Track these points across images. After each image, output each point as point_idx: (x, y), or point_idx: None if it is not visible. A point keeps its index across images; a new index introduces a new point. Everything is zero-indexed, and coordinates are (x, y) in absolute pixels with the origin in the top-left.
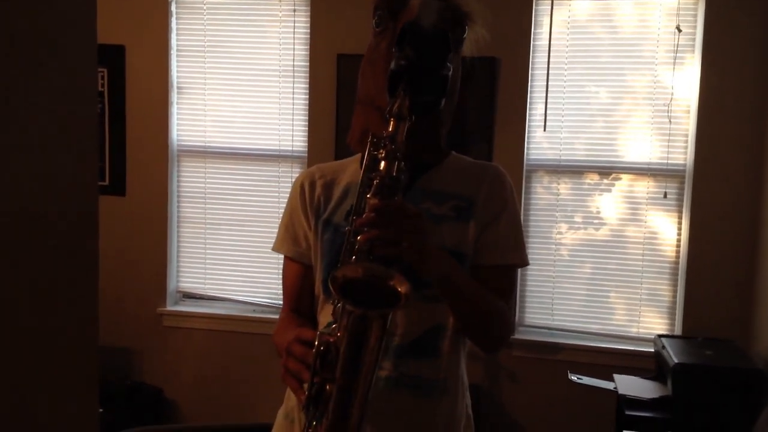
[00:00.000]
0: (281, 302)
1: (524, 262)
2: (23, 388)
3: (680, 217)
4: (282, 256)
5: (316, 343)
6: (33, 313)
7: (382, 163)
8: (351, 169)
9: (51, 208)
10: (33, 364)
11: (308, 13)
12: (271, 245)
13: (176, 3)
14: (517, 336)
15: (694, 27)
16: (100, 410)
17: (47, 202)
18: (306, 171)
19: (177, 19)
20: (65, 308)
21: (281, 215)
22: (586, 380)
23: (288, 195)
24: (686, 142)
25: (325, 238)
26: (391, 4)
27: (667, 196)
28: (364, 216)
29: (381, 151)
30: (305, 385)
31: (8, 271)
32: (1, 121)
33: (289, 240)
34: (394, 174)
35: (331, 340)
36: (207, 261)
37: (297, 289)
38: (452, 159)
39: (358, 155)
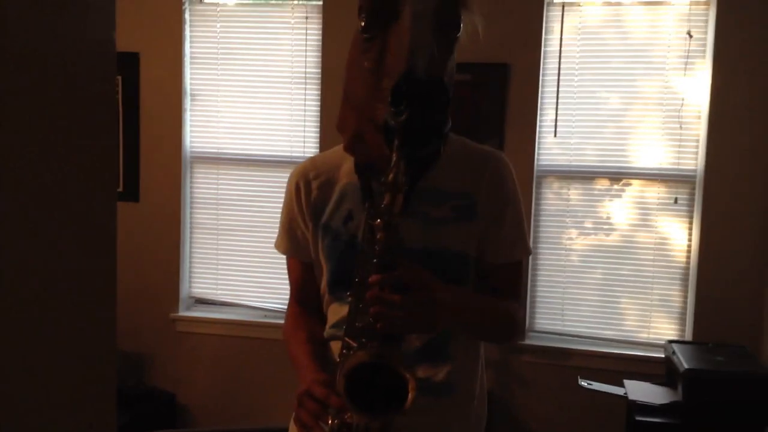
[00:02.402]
0: None
1: (529, 253)
2: (41, 394)
3: (691, 223)
4: None
5: (330, 421)
6: (52, 318)
7: (379, 234)
8: (346, 169)
9: (71, 213)
10: (51, 370)
11: (320, 21)
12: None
13: (190, 11)
14: (527, 341)
15: (705, 32)
16: None
17: (67, 206)
18: (300, 168)
19: (191, 27)
20: (84, 313)
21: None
22: (597, 386)
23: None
24: (697, 147)
25: (325, 243)
26: (379, 12)
27: (678, 201)
28: (368, 295)
29: (378, 221)
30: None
31: (31, 275)
32: (20, 126)
33: (287, 239)
34: (393, 244)
35: (347, 417)
36: (219, 266)
37: (301, 282)
38: (451, 145)
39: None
